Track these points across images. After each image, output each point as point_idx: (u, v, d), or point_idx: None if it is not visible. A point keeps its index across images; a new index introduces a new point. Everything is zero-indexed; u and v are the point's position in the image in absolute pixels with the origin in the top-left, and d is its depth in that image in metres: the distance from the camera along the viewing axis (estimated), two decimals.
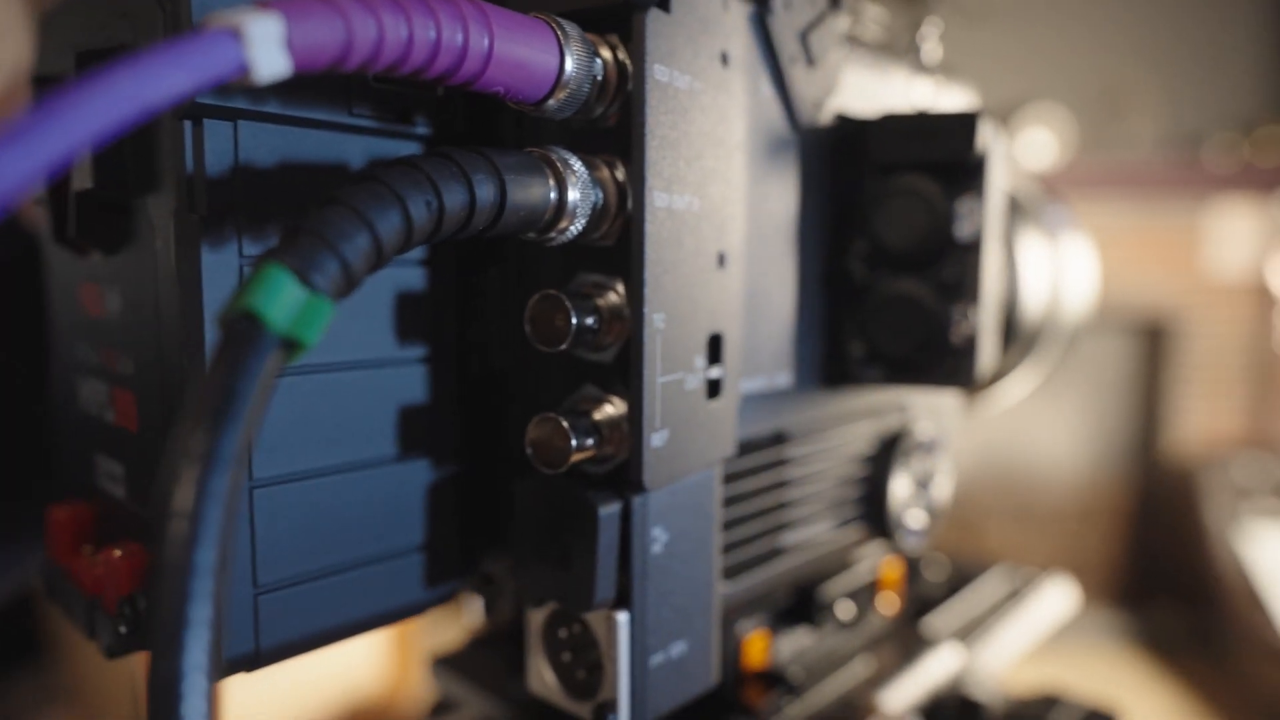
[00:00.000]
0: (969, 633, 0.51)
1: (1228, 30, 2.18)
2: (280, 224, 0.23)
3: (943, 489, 0.44)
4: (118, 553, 0.24)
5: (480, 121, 0.27)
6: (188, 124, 0.21)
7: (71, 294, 0.28)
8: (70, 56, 0.24)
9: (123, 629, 0.23)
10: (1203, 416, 2.17)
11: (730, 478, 0.32)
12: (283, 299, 0.15)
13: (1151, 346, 2.23)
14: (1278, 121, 2.12)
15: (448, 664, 0.40)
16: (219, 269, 0.22)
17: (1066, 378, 2.19)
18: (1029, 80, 2.18)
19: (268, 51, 0.15)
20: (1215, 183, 2.09)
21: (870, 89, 0.36)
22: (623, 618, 0.26)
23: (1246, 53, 2.18)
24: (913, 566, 0.54)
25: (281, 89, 0.22)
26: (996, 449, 2.23)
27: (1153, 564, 2.22)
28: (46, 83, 0.25)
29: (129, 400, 0.25)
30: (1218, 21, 2.18)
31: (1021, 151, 2.16)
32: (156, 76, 0.14)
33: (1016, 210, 0.51)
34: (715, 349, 0.28)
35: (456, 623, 0.39)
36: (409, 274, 0.26)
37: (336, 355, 0.24)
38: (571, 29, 0.22)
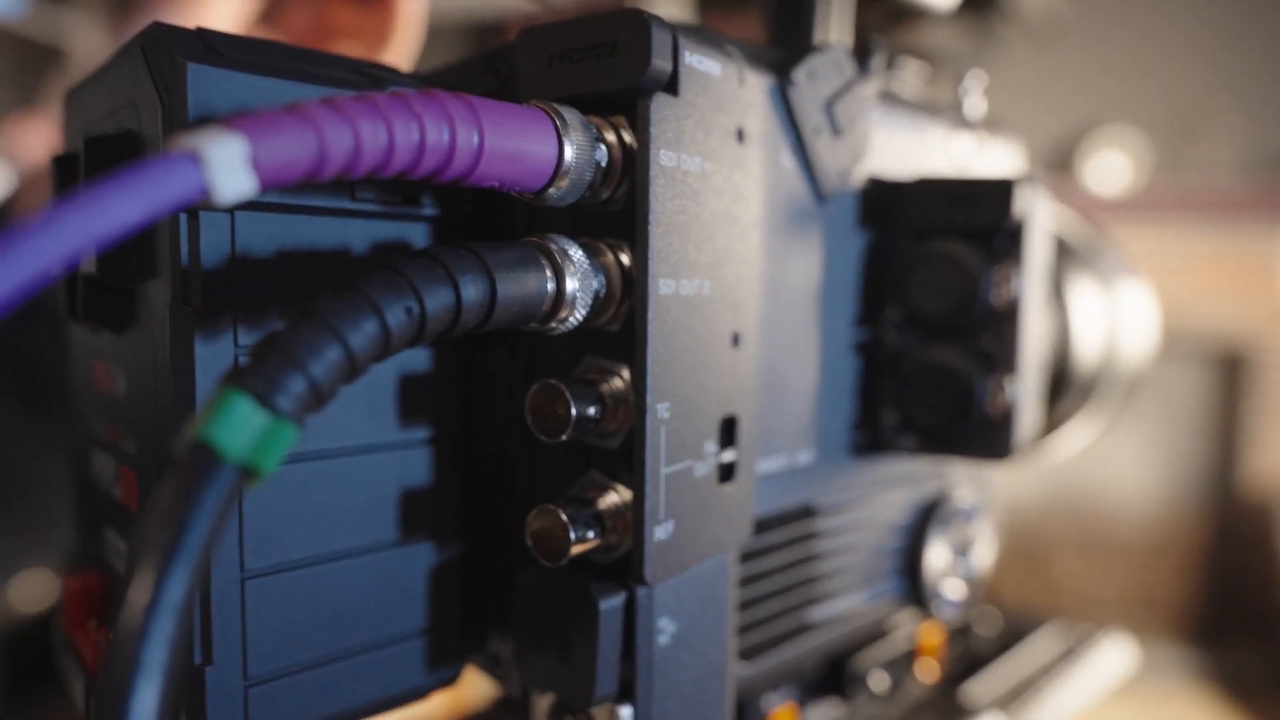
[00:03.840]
0: (1015, 699, 0.48)
1: None
2: (278, 313, 0.22)
3: (983, 557, 0.42)
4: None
5: (491, 201, 0.26)
6: (183, 216, 0.21)
7: (88, 368, 0.28)
8: (81, 139, 0.24)
9: None
10: None
11: (752, 555, 0.31)
12: (240, 426, 0.15)
13: (1228, 376, 2.13)
14: None
15: None
16: (213, 362, 0.21)
17: (1138, 408, 2.10)
18: (1101, 102, 2.11)
19: (230, 173, 0.15)
20: None
21: (906, 149, 0.34)
22: (626, 713, 0.25)
23: None
24: (963, 622, 0.51)
25: None
26: (1063, 478, 2.15)
27: (1228, 601, 2.11)
28: (64, 162, 0.26)
29: (132, 480, 0.25)
30: None
31: (1093, 176, 2.09)
32: (110, 210, 0.14)
33: (1070, 256, 0.49)
34: (729, 431, 0.27)
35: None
36: (413, 355, 0.25)
37: (336, 441, 0.24)
38: (571, 116, 0.22)
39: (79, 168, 0.23)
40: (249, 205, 0.22)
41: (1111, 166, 2.09)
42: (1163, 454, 2.18)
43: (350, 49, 0.52)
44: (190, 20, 0.24)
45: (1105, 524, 2.18)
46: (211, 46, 0.22)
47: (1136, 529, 2.18)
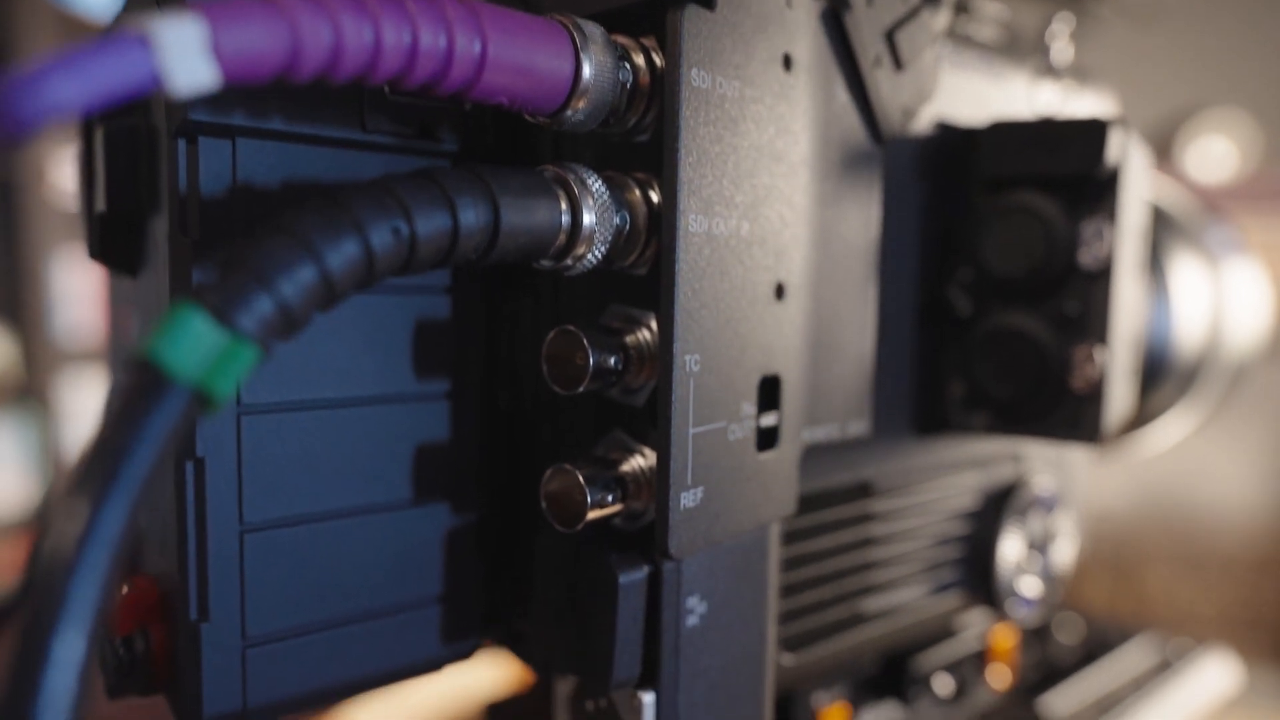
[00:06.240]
0: (1100, 715, 0.44)
1: None
2: None
3: (1064, 554, 0.38)
4: (125, 588, 0.23)
5: (514, 133, 0.24)
6: (181, 142, 0.20)
7: (118, 315, 0.27)
8: None
9: (116, 669, 0.22)
10: None
11: (799, 535, 0.28)
12: (192, 344, 0.13)
13: None
14: None
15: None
16: None
17: (1243, 410, 1.97)
18: (1206, 84, 1.98)
19: (186, 60, 0.13)
20: None
21: (982, 94, 0.31)
22: (648, 699, 0.23)
23: None
24: (1041, 626, 0.47)
25: (285, 102, 0.21)
26: (1157, 482, 2.03)
27: None
28: None
29: None
30: None
31: (1195, 163, 1.96)
32: (45, 92, 0.12)
33: (1173, 230, 0.45)
34: (770, 393, 0.24)
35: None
36: (432, 301, 0.24)
37: (348, 390, 0.22)
38: (593, 30, 0.19)
39: None
40: (251, 132, 0.20)
41: (1216, 153, 1.96)
42: (1271, 460, 2.03)
43: None
44: None
45: (1205, 534, 2.05)
46: None
47: (1241, 541, 2.04)
